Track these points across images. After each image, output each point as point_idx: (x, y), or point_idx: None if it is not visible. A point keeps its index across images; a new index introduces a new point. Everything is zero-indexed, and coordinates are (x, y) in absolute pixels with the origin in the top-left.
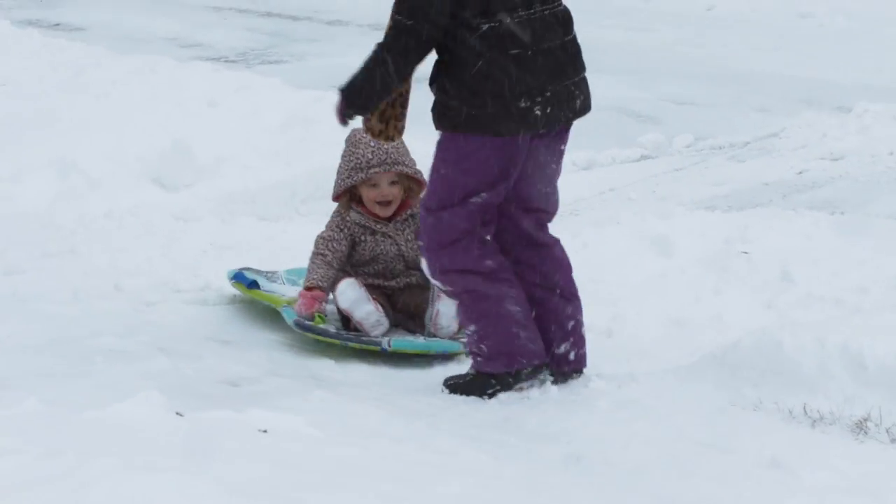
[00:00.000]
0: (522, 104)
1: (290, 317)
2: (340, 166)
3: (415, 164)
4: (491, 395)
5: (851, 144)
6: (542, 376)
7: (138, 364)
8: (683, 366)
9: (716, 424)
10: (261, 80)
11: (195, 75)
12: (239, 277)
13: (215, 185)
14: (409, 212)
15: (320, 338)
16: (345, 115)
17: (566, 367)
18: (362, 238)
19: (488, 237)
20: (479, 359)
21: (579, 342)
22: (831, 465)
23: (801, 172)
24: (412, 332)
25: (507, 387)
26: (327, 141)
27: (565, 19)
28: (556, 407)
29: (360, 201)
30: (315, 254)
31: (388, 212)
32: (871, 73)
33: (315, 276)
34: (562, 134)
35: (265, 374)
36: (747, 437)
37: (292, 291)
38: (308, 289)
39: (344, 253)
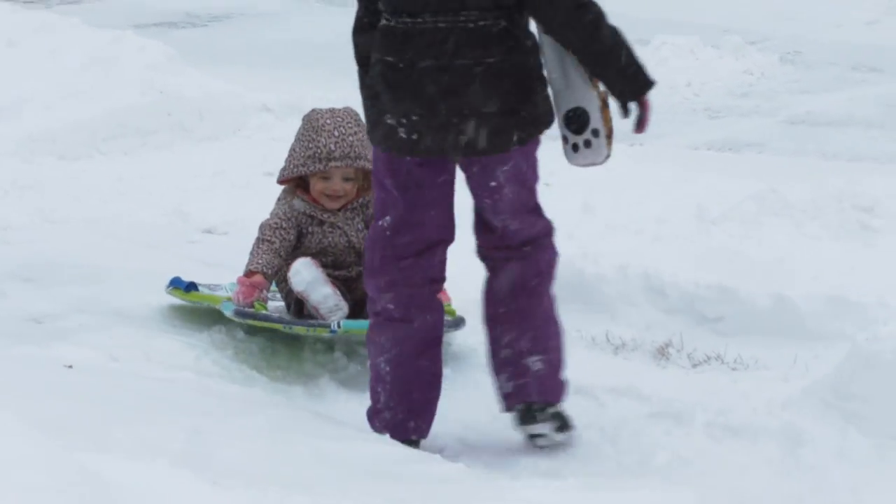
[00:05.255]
0: (389, 121)
1: (228, 309)
2: (295, 149)
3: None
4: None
5: None
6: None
7: None
8: None
9: None
10: (60, 19)
11: None
12: (175, 283)
13: (15, 125)
14: (360, 200)
15: (262, 324)
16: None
17: (505, 402)
18: (309, 229)
19: (415, 276)
20: None
21: (517, 373)
22: (634, 391)
23: None
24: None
25: None
26: (128, 80)
27: (478, 38)
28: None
29: (306, 188)
30: (260, 240)
31: (336, 205)
32: (669, 7)
33: (259, 262)
34: (489, 168)
35: (69, 310)
36: None
37: (224, 292)
38: (248, 275)
39: (291, 243)
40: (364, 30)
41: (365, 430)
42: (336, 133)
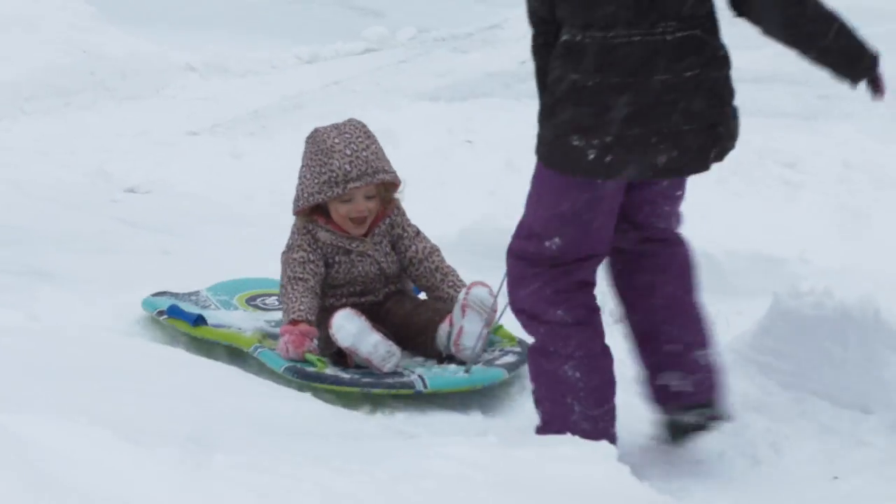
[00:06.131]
0: (575, 142)
1: (275, 363)
2: (305, 176)
3: (391, 166)
4: None
5: None
6: None
7: None
8: None
9: None
10: None
11: None
12: (175, 312)
13: None
14: (386, 221)
15: (333, 388)
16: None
17: (671, 401)
18: (335, 259)
19: (578, 278)
20: (538, 423)
21: (690, 368)
22: None
23: (523, 62)
24: (411, 352)
25: None
26: (50, 40)
27: (681, 50)
28: None
29: (324, 214)
30: (293, 279)
31: (362, 230)
32: None
33: (302, 308)
34: (668, 185)
35: None
36: None
37: (237, 318)
38: (293, 323)
39: (322, 275)
40: (539, 50)
41: (284, 387)
42: (348, 151)
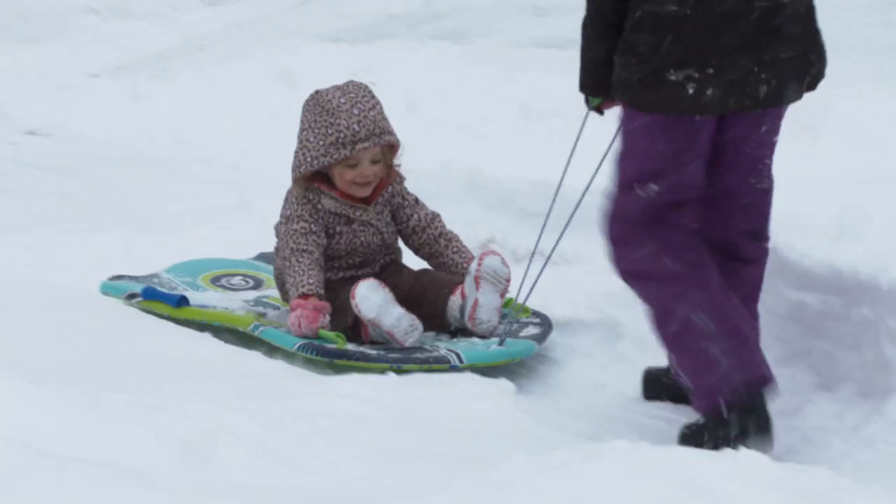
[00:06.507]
0: (672, 77)
1: (285, 341)
2: (308, 139)
3: (393, 128)
4: (721, 444)
5: None
6: (761, 402)
7: None
8: None
9: None
10: None
11: None
12: (151, 295)
13: None
14: (389, 190)
15: (359, 364)
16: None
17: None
18: (337, 229)
19: (679, 224)
20: (692, 398)
21: None
22: None
23: (426, 3)
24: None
25: (728, 433)
26: None
27: None
28: None
29: (326, 181)
30: (297, 251)
31: (367, 191)
32: None
33: (311, 281)
34: (765, 119)
35: None
36: None
37: (215, 299)
38: (303, 297)
39: (325, 247)
40: None
41: (187, 330)
42: (356, 111)
